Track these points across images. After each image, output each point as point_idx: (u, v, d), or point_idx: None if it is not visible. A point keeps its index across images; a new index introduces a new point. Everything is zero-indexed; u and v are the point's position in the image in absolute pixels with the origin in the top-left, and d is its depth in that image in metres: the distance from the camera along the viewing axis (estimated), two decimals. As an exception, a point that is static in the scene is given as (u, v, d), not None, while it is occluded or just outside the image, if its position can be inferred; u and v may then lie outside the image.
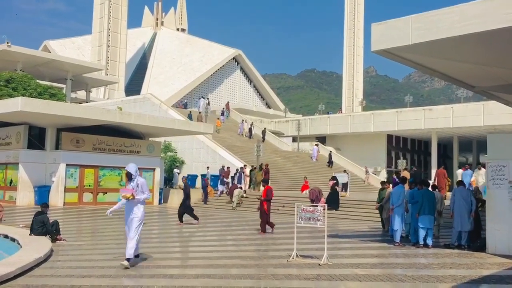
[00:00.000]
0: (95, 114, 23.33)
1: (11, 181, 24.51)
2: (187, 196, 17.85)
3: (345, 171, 33.04)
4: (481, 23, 8.86)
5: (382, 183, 16.76)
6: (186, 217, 17.32)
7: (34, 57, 43.83)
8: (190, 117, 40.98)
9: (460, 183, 13.08)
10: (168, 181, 33.11)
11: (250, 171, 29.39)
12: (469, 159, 57.52)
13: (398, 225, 12.76)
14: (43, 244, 10.21)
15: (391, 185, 17.42)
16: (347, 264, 9.48)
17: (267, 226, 14.96)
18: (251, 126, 42.95)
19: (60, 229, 12.13)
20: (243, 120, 45.24)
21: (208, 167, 31.44)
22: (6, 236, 11.94)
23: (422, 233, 12.27)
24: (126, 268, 8.38)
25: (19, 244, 10.66)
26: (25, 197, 23.60)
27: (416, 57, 11.13)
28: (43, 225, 11.47)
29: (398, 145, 48.91)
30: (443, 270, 9.19)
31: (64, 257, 9.79)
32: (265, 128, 45.49)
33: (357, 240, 13.52)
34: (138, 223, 8.95)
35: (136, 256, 9.09)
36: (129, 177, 9.37)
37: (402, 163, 37.99)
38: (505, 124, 35.16)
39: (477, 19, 8.95)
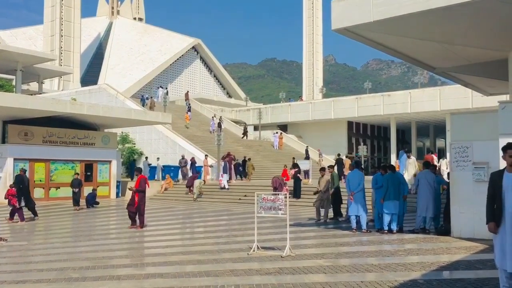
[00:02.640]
0: (44, 105, 21.98)
1: (-47, 178, 22.86)
2: (27, 189, 16.37)
3: (306, 158, 32.78)
4: (444, -3, 8.45)
5: (322, 169, 15.64)
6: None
7: (-21, 47, 41.30)
8: (143, 102, 40.24)
9: (426, 166, 12.75)
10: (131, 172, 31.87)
11: (243, 161, 28.99)
12: (426, 143, 58.68)
13: (361, 210, 12.38)
14: (-23, 246, 9.21)
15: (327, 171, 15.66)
16: (311, 255, 8.95)
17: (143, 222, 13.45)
18: (219, 120, 41.99)
19: (1, 229, 11.11)
20: (213, 116, 43.63)
21: (158, 158, 30.55)
22: None
23: (386, 218, 11.91)
24: None
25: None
26: (-31, 195, 22.03)
27: (378, 36, 10.68)
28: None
29: (358, 131, 49.16)
30: (410, 257, 8.81)
31: (0, 260, 8.82)
32: (245, 124, 44.66)
33: (321, 228, 13.08)
34: None
35: None
36: None
37: (362, 149, 38.08)
38: (460, 109, 35.73)
39: (440, -6, 8.53)
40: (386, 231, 11.86)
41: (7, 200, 15.40)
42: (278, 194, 9.38)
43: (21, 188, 15.60)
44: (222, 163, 25.58)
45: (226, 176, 25.21)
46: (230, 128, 43.88)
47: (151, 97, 42.64)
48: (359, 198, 12.50)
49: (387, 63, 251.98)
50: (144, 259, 8.69)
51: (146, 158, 32.02)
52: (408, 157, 18.63)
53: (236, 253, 9.23)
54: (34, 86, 53.51)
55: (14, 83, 43.01)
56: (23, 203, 15.34)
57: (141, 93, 62.59)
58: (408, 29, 9.93)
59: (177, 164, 29.40)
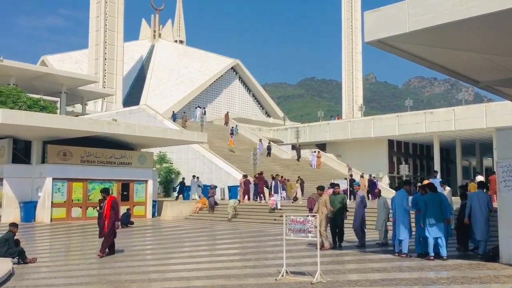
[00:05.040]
0: (81, 125, 22.32)
1: (-4, 197, 23.47)
2: None
3: (345, 178, 31.86)
4: (485, 4, 7.85)
5: (319, 188, 14.12)
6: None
7: (27, 71, 43.06)
8: (174, 118, 40.93)
9: (480, 186, 11.83)
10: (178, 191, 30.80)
11: (287, 181, 28.96)
12: (472, 162, 56.27)
13: (404, 234, 11.57)
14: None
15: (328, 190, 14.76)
16: (343, 282, 8.34)
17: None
18: (269, 144, 41.72)
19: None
20: (260, 140, 43.13)
21: (197, 177, 30.18)
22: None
23: (431, 243, 11.02)
24: None
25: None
26: (10, 213, 22.57)
27: (414, 48, 10.10)
28: (6, 245, 10.36)
29: (399, 150, 47.73)
30: (453, 286, 8.05)
31: (22, 282, 8.66)
32: (299, 145, 44.32)
33: (357, 252, 12.37)
34: None
35: None
36: None
37: (404, 169, 36.78)
38: (508, 126, 34.05)
39: (480, 0, 7.93)
40: (432, 257, 10.96)
41: None
42: (308, 216, 8.85)
43: None
44: (273, 182, 24.72)
45: (277, 196, 24.28)
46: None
47: (184, 113, 43.26)
48: (403, 220, 11.73)
49: (429, 81, 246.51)
50: (165, 284, 8.31)
51: (193, 176, 30.20)
52: (443, 187, 15.66)
53: (263, 278, 8.73)
54: (79, 107, 55.37)
55: (58, 104, 44.45)
56: None
57: (180, 113, 63.57)
58: (447, 39, 9.33)
59: (215, 184, 29.17)
